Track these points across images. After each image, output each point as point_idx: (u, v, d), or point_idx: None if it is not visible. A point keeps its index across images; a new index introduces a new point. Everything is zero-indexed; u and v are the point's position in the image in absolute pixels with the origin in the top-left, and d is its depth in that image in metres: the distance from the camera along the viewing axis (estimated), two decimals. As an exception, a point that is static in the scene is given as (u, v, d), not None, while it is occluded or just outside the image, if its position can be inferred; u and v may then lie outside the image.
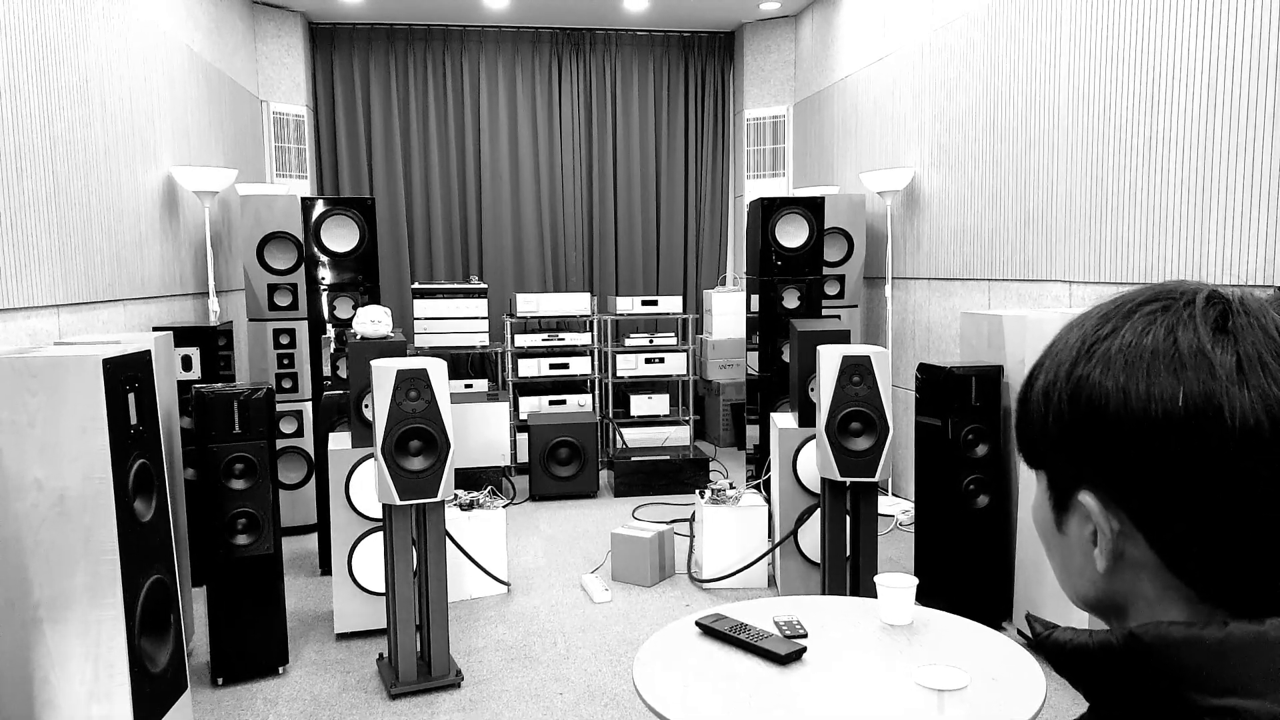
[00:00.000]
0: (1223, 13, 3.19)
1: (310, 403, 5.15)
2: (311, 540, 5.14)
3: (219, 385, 3.43)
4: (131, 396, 2.58)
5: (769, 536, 4.43)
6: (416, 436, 3.23)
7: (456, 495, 4.33)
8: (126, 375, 2.55)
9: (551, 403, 6.53)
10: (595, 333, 6.79)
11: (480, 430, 5.82)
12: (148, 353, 2.70)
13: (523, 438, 6.41)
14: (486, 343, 6.39)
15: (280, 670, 3.50)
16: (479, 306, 6.34)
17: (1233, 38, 3.15)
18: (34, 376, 2.38)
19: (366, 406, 3.74)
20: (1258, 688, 0.53)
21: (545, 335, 6.62)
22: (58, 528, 2.41)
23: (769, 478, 4.55)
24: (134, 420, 2.58)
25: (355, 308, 4.68)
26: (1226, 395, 0.55)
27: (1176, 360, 0.57)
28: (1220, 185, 3.23)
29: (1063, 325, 0.66)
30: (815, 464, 3.88)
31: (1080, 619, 3.22)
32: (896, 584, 2.43)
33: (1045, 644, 0.62)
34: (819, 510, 3.89)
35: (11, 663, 2.43)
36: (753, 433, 5.90)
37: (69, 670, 2.44)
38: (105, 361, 2.43)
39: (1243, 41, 3.11)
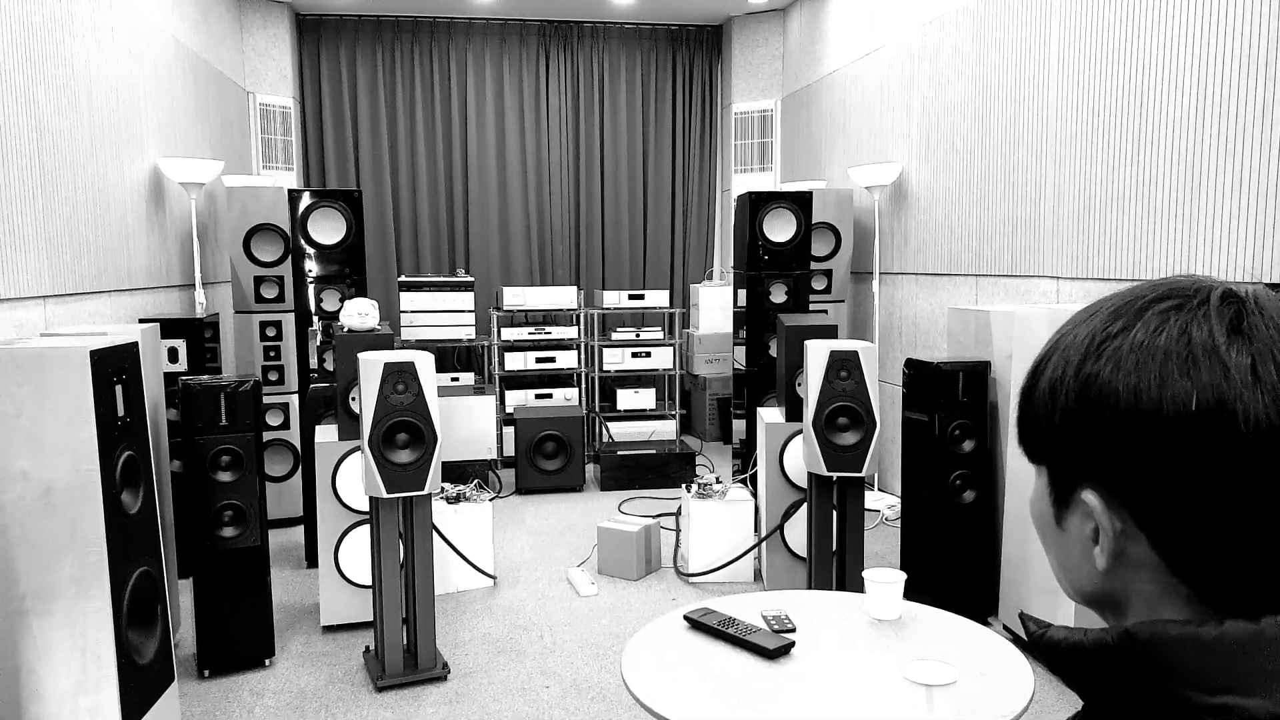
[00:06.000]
0: (1212, 11, 3.21)
1: (297, 395, 5.13)
2: (298, 533, 5.12)
3: (205, 377, 3.41)
4: (119, 388, 2.56)
5: (755, 531, 4.44)
6: (403, 429, 3.22)
7: (443, 488, 4.33)
8: (114, 367, 2.54)
9: (538, 396, 6.52)
10: (582, 326, 6.78)
11: (467, 423, 5.81)
12: (135, 344, 2.69)
13: (509, 431, 6.41)
14: (473, 336, 6.38)
15: (267, 662, 3.49)
16: (465, 300, 6.33)
17: (1221, 36, 3.17)
18: (20, 368, 2.36)
19: (353, 399, 3.73)
20: (1254, 686, 0.53)
21: (532, 329, 6.61)
22: (44, 519, 2.40)
23: (755, 472, 4.57)
24: (121, 412, 2.57)
25: (342, 300, 4.66)
26: (1240, 398, 0.54)
27: (1190, 361, 0.56)
28: (1208, 181, 3.26)
29: (1067, 319, 0.65)
30: (802, 459, 3.89)
31: (1068, 614, 3.25)
32: (885, 579, 2.44)
33: (1040, 643, 0.62)
34: (805, 505, 3.90)
35: (-3, 655, 2.42)
36: (739, 427, 5.92)
37: (55, 661, 2.43)
38: (93, 353, 2.41)
39: (1231, 39, 3.13)
